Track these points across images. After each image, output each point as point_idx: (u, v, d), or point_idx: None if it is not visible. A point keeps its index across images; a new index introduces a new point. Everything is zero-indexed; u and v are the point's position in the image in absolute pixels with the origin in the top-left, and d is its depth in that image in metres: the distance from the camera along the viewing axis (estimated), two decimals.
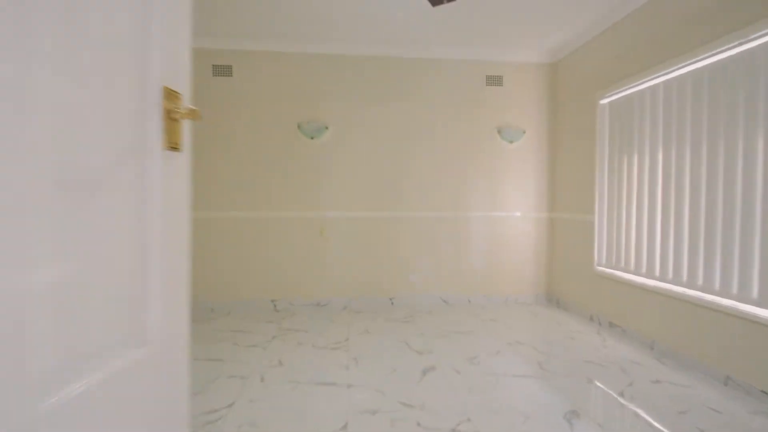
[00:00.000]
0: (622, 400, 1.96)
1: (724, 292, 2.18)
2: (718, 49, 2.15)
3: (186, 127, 0.75)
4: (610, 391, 2.06)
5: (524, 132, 3.83)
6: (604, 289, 3.13)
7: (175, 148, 0.71)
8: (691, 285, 2.37)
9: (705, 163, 2.28)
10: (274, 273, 3.62)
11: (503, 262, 3.86)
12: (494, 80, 3.80)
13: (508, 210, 3.85)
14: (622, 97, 2.92)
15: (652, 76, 2.59)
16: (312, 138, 3.62)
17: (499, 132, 3.80)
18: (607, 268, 3.11)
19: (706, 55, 2.22)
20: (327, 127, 3.63)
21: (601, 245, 3.20)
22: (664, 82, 2.55)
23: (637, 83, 2.73)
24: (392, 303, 3.73)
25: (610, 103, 3.07)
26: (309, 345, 2.70)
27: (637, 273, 2.80)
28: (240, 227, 3.58)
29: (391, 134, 3.72)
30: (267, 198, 3.61)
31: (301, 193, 3.64)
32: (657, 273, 2.62)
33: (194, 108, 0.71)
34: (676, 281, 2.48)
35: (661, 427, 1.72)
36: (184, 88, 0.75)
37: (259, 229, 3.60)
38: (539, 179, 3.88)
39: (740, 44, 2.07)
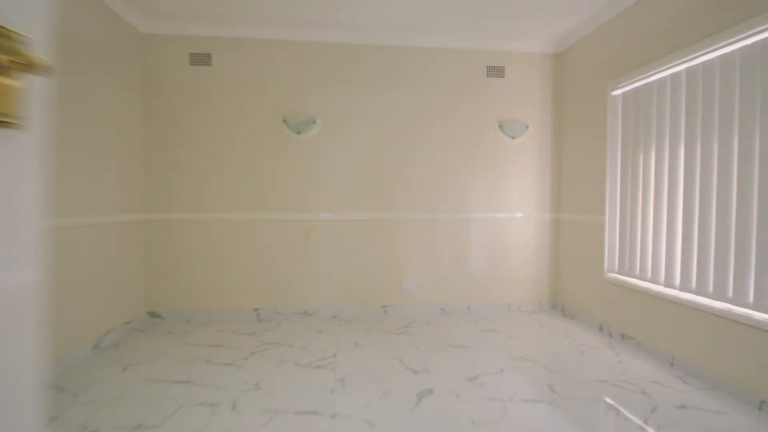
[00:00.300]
0: (648, 431, 1.70)
1: (758, 306, 1.92)
2: (753, 30, 1.89)
3: (33, 91, 0.47)
4: (633, 418, 1.80)
5: (527, 127, 3.56)
6: (615, 297, 2.87)
7: (6, 122, 0.44)
8: (718, 296, 2.12)
9: (736, 159, 2.02)
10: (258, 280, 3.33)
11: (505, 266, 3.59)
12: (495, 71, 3.53)
13: (510, 210, 3.58)
14: (638, 87, 2.66)
15: (674, 63, 2.32)
16: (298, 133, 3.33)
17: (500, 127, 3.53)
18: (619, 274, 2.85)
19: (739, 37, 1.96)
20: (315, 121, 3.34)
21: (612, 249, 2.94)
22: (687, 69, 2.29)
23: (655, 71, 2.46)
24: (385, 312, 3.45)
25: (624, 94, 2.81)
26: (291, 363, 2.42)
27: (654, 281, 2.54)
28: (221, 230, 3.28)
29: (385, 129, 3.43)
30: (250, 199, 3.31)
31: (287, 193, 3.34)
32: (677, 282, 2.37)
33: (39, 56, 0.43)
34: (701, 291, 2.22)
35: None
36: (33, 28, 0.47)
37: (242, 233, 3.31)
38: (543, 177, 3.61)
39: None
